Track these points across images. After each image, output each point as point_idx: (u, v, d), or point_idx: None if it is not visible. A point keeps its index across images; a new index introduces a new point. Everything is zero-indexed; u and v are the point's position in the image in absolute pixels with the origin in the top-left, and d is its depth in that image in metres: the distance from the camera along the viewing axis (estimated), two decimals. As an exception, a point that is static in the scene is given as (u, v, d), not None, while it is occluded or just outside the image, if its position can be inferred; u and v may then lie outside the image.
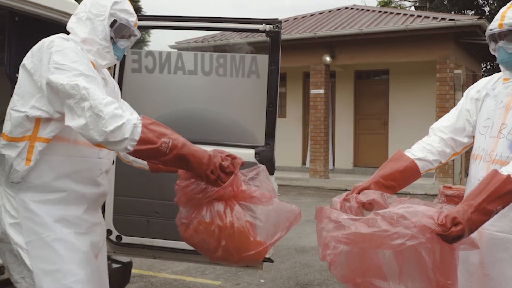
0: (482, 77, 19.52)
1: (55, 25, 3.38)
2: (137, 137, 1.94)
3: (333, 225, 2.00)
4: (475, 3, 20.89)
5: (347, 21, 14.25)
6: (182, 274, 5.36)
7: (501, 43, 2.23)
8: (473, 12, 20.97)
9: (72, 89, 1.95)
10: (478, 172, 2.25)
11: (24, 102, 2.08)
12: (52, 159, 2.12)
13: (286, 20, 15.72)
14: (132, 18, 2.32)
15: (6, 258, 2.14)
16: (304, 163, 15.40)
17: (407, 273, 1.89)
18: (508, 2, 2.35)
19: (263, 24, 3.16)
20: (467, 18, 13.54)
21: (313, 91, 14.06)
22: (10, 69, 3.56)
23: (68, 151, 2.15)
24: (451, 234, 1.81)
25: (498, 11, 2.33)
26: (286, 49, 11.83)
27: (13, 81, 3.55)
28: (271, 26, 3.15)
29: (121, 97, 3.44)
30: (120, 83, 3.36)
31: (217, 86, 3.39)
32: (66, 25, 2.32)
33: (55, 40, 2.09)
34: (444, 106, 12.19)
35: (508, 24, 2.19)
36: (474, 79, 15.73)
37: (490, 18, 17.67)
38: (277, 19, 3.18)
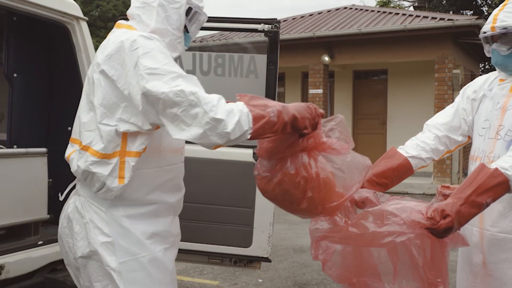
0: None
1: (54, 25, 3.39)
2: (252, 124, 1.75)
3: (327, 225, 2.03)
4: (473, 3, 20.90)
5: (346, 21, 14.25)
6: (180, 274, 5.36)
7: (494, 45, 2.24)
8: (471, 12, 20.99)
9: (177, 97, 1.71)
10: None
11: (111, 114, 1.85)
12: (144, 172, 1.94)
13: (285, 20, 15.73)
14: (202, 3, 2.10)
15: (90, 270, 1.96)
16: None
17: (402, 272, 1.91)
18: (502, 2, 2.35)
19: (262, 24, 3.16)
20: (465, 18, 13.55)
21: (311, 91, 14.07)
22: (8, 69, 3.56)
23: (159, 162, 1.99)
24: (441, 227, 1.83)
25: None
26: (284, 49, 11.89)
27: (11, 81, 3.56)
28: (270, 26, 3.16)
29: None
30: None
31: (216, 86, 3.40)
32: (64, 25, 2.24)
33: (138, 40, 1.82)
34: (442, 106, 12.18)
35: (500, 27, 2.19)
36: (473, 79, 15.69)
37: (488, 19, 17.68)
38: (276, 19, 3.18)
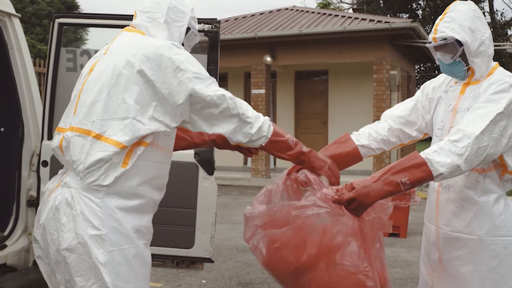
0: (416, 78, 20.32)
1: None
2: (270, 134, 2.10)
3: (261, 210, 2.18)
4: (409, 7, 21.63)
5: (287, 22, 14.42)
6: (122, 277, 5.26)
7: (438, 55, 2.30)
8: (407, 15, 21.73)
9: (219, 99, 2.00)
10: (460, 178, 2.30)
11: (143, 111, 1.98)
12: (140, 164, 2.03)
13: (227, 20, 15.73)
14: (197, 26, 2.33)
15: (72, 264, 1.95)
16: (245, 163, 15.46)
17: (326, 258, 2.03)
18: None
19: (202, 24, 3.14)
20: (401, 21, 14.02)
21: (254, 91, 14.14)
22: None
23: (152, 156, 2.08)
24: (344, 198, 1.97)
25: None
26: (227, 49, 11.89)
27: None
28: (210, 26, 3.15)
29: (56, 97, 3.35)
30: (54, 82, 3.26)
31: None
32: None
33: (173, 47, 2.03)
34: (381, 105, 12.56)
35: (439, 38, 2.25)
36: (409, 80, 16.33)
37: (422, 22, 18.39)
38: (216, 19, 3.18)
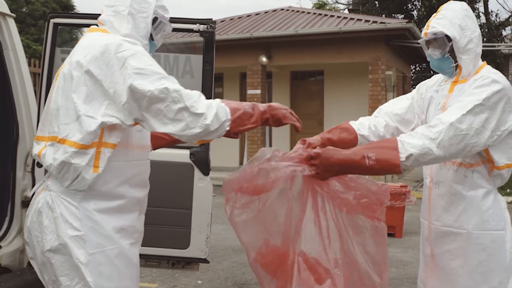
0: (412, 78, 20.37)
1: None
2: (229, 115, 2.01)
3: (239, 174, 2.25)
4: (404, 7, 21.67)
5: (283, 23, 14.42)
6: (117, 278, 5.25)
7: (429, 50, 2.37)
8: (402, 16, 21.77)
9: (162, 93, 1.92)
10: (426, 170, 2.45)
11: (95, 109, 1.97)
12: (116, 165, 2.05)
13: (223, 21, 15.72)
14: (168, 14, 2.29)
15: (56, 265, 2.00)
16: (241, 163, 15.45)
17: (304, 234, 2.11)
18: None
19: (197, 24, 3.15)
20: (397, 22, 14.05)
21: (250, 91, 14.14)
22: None
23: (127, 156, 2.11)
24: (307, 154, 2.10)
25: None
26: (222, 50, 11.88)
27: None
28: (205, 26, 3.15)
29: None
30: (49, 82, 3.26)
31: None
32: None
33: (123, 44, 1.99)
34: (376, 106, 12.44)
35: (430, 33, 2.33)
36: (404, 80, 16.37)
37: (418, 22, 18.43)
38: (211, 19, 3.18)
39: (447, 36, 2.29)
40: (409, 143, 2.09)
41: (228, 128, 2.01)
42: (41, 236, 2.02)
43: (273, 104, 2.19)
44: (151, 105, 1.94)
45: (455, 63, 2.33)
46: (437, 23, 2.32)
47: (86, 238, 1.97)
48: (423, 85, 2.59)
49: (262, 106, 2.14)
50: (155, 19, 2.21)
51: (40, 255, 2.05)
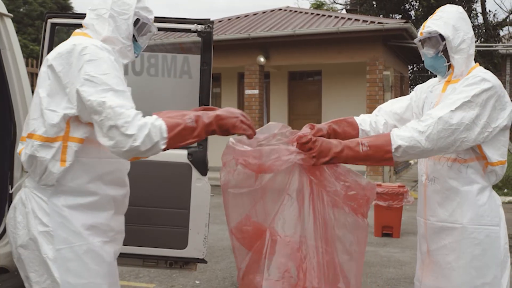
0: (409, 78, 20.39)
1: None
2: (165, 134, 1.96)
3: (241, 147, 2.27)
4: (402, 7, 21.69)
5: (281, 23, 14.43)
6: (115, 278, 5.24)
7: (424, 49, 2.47)
8: (400, 16, 21.79)
9: (99, 106, 1.92)
10: (422, 168, 2.52)
11: (56, 102, 2.01)
12: (86, 161, 2.07)
13: (221, 21, 15.72)
14: (152, 16, 2.30)
15: (26, 261, 2.05)
16: (239, 163, 15.44)
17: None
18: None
19: (195, 24, 3.15)
20: (394, 22, 14.06)
21: (247, 92, 14.14)
22: None
23: (99, 153, 2.11)
24: (308, 138, 2.15)
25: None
26: (220, 50, 11.88)
27: None
28: (203, 26, 3.15)
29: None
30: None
31: (149, 86, 3.35)
32: None
33: (89, 47, 2.01)
34: (374, 106, 12.52)
35: (426, 32, 2.43)
36: (402, 80, 16.38)
37: (416, 23, 18.45)
38: (209, 19, 3.18)
39: (441, 36, 2.39)
40: (398, 135, 2.20)
41: (164, 147, 1.98)
42: (15, 231, 2.07)
43: (222, 113, 2.10)
44: (91, 114, 1.96)
45: (448, 62, 2.42)
46: (432, 23, 2.42)
47: (54, 233, 2.00)
48: (420, 87, 2.67)
49: (208, 117, 2.07)
50: (137, 21, 2.22)
51: (14, 251, 2.10)
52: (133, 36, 2.23)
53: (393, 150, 2.18)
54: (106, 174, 2.13)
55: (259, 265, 2.18)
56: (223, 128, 2.09)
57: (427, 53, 2.45)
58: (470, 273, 2.30)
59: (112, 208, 2.17)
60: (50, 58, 2.04)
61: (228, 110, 2.12)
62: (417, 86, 2.72)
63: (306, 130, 2.33)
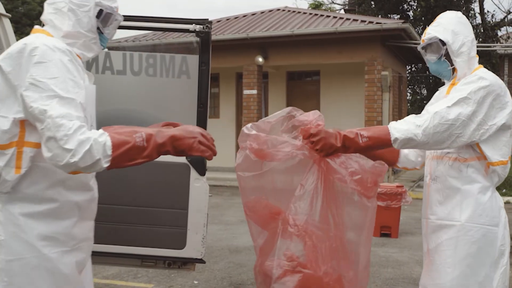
0: (408, 79, 20.40)
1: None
2: (109, 151, 1.81)
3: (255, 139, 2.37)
4: (400, 8, 21.71)
5: (279, 23, 14.43)
6: (114, 278, 5.24)
7: (427, 55, 2.53)
8: (398, 16, 21.81)
9: (40, 115, 1.79)
10: (427, 169, 2.56)
11: (7, 107, 1.87)
12: (45, 166, 1.91)
13: (219, 21, 15.72)
14: (115, 4, 2.16)
15: None
16: (238, 163, 15.43)
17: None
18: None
19: (193, 24, 3.14)
20: (392, 22, 14.08)
21: (246, 92, 14.14)
22: None
23: None
24: (311, 129, 2.27)
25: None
26: (219, 50, 11.88)
27: None
28: (201, 26, 3.15)
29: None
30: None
31: (147, 86, 3.35)
32: None
33: (39, 47, 1.86)
34: (372, 106, 12.60)
35: (427, 39, 2.50)
36: (400, 80, 16.39)
37: (414, 23, 18.46)
38: (207, 19, 3.18)
39: (441, 41, 2.44)
40: (396, 128, 2.27)
41: (107, 165, 1.82)
42: None
43: (178, 133, 1.94)
44: (34, 122, 1.83)
45: (451, 66, 2.47)
46: (432, 30, 2.50)
47: (5, 243, 1.88)
48: (436, 94, 2.71)
49: (162, 137, 1.91)
50: (100, 12, 2.08)
51: None
52: (98, 28, 2.09)
53: (392, 141, 2.25)
54: (68, 178, 1.97)
55: (272, 248, 2.29)
56: (178, 149, 1.94)
57: (430, 59, 2.52)
58: (463, 271, 2.32)
59: (75, 215, 2.02)
60: (0, 58, 1.90)
61: (186, 129, 1.97)
62: (435, 94, 2.74)
63: (310, 117, 2.45)
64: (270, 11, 16.39)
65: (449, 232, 2.36)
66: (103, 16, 2.09)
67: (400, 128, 2.26)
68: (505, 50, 18.43)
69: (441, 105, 2.29)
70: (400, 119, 2.59)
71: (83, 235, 2.09)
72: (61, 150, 1.76)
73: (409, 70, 21.51)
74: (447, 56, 2.46)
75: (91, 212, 2.15)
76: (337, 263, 2.26)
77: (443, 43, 2.44)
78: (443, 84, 2.62)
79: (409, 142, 2.26)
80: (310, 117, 2.42)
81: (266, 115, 15.41)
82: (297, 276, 2.23)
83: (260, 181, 2.41)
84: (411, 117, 2.31)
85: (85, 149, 1.77)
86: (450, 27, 2.45)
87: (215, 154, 2.03)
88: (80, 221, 2.06)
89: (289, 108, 2.49)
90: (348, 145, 2.25)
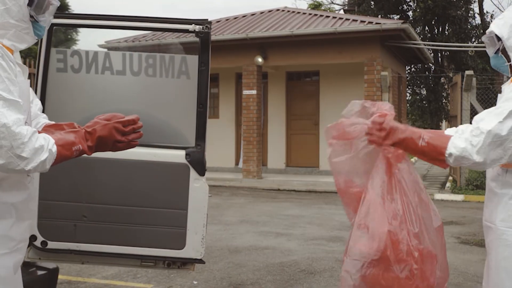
0: (407, 79, 20.41)
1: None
2: (53, 160, 1.87)
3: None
4: (399, 8, 21.72)
5: (279, 23, 14.44)
6: (113, 278, 5.24)
7: (487, 49, 2.45)
8: (398, 16, 21.82)
9: None
10: (488, 171, 2.47)
11: None
12: None
13: (218, 21, 15.72)
14: None
15: None
16: (237, 163, 15.45)
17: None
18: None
19: (193, 25, 3.14)
20: (392, 22, 14.09)
21: (245, 92, 14.14)
22: None
23: None
24: (381, 118, 2.28)
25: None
26: (218, 50, 11.88)
27: None
28: (201, 26, 3.15)
29: (46, 98, 3.32)
30: (44, 83, 3.25)
31: (147, 86, 3.35)
32: None
33: None
34: (371, 106, 12.60)
35: (487, 33, 2.41)
36: (400, 81, 16.39)
37: (413, 23, 18.47)
38: (207, 19, 3.18)
39: (497, 36, 2.35)
40: (453, 143, 2.18)
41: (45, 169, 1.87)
42: None
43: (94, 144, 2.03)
44: None
45: (508, 62, 2.37)
46: (494, 23, 2.40)
47: None
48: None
49: (90, 149, 2.02)
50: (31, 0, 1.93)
51: None
52: (32, 16, 1.95)
53: (446, 155, 2.18)
54: (3, 179, 1.88)
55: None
56: (101, 148, 2.06)
57: (488, 52, 2.45)
58: (500, 275, 2.29)
59: (12, 216, 1.92)
60: None
61: (101, 139, 2.03)
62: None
63: (385, 106, 2.42)
64: (270, 11, 16.39)
65: (489, 234, 2.38)
66: (37, 3, 1.95)
67: (458, 145, 2.16)
68: (504, 50, 18.40)
69: (493, 121, 2.15)
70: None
71: (21, 235, 2.00)
72: (15, 158, 1.73)
73: (409, 71, 21.52)
74: (504, 51, 2.35)
75: (29, 212, 2.09)
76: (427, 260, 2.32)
77: (499, 38, 2.34)
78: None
79: (464, 160, 2.16)
80: (386, 106, 2.43)
81: (266, 115, 15.43)
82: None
83: (349, 165, 2.50)
84: (468, 134, 2.18)
85: (41, 159, 1.78)
86: (510, 22, 2.31)
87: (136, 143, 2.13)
88: (18, 222, 1.97)
89: (361, 101, 2.56)
90: (407, 143, 2.25)
